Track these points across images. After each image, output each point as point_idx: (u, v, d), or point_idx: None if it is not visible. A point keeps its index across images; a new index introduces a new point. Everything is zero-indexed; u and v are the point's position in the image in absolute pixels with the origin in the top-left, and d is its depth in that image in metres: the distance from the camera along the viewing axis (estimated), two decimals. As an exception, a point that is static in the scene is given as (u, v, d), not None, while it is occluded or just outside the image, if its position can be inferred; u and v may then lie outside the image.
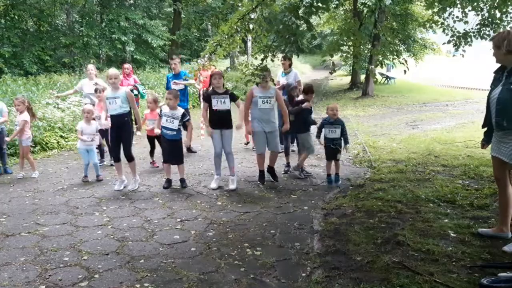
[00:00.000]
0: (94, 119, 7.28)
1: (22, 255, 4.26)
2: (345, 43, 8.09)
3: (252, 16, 6.56)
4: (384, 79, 27.25)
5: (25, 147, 7.41)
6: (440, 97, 19.40)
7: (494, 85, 4.11)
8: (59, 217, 5.36)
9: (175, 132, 6.55)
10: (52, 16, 25.15)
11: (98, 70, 12.05)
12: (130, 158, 6.59)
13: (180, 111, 6.59)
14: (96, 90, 7.94)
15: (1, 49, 19.92)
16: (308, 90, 7.27)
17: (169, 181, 6.67)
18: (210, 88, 6.65)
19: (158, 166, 7.79)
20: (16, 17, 22.24)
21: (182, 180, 6.67)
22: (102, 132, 7.53)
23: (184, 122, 6.61)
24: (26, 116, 7.35)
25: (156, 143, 7.79)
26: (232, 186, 6.57)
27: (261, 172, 6.94)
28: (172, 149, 6.60)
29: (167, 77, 9.27)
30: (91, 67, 9.31)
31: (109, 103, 6.43)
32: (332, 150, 6.69)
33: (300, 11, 5.50)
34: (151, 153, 7.98)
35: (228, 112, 6.55)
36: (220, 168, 6.80)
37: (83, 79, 10.22)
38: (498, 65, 4.12)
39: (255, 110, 6.69)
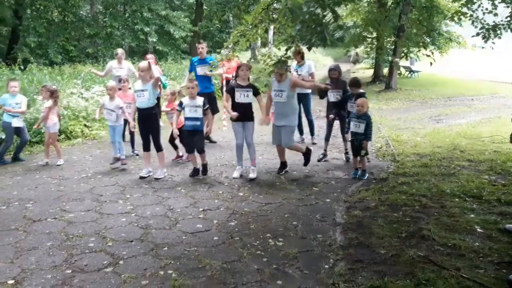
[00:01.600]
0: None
1: (48, 240, 4.34)
2: (369, 35, 7.97)
3: (276, 6, 6.50)
4: (408, 72, 26.85)
5: (52, 134, 7.52)
6: (466, 91, 19.01)
7: None
8: (84, 204, 5.44)
9: (199, 123, 6.58)
10: (77, 7, 25.45)
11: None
12: (159, 149, 6.66)
13: (200, 99, 6.65)
14: (120, 80, 8.01)
15: (27, 39, 20.25)
16: (354, 83, 7.20)
17: (196, 170, 6.73)
18: (233, 80, 6.66)
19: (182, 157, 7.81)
20: (42, 7, 22.57)
21: (205, 166, 6.74)
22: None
23: (204, 110, 6.64)
24: (49, 103, 7.46)
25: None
26: (252, 175, 6.62)
27: (282, 163, 6.97)
28: (196, 139, 6.64)
29: (192, 60, 9.24)
30: (121, 51, 9.54)
31: (137, 95, 6.48)
32: (356, 145, 6.59)
33: (326, 1, 5.44)
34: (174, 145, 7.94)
35: (250, 105, 6.57)
36: (242, 159, 6.83)
37: (111, 61, 10.35)
38: None
39: (274, 104, 6.72)
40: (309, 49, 5.56)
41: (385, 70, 23.17)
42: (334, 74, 7.47)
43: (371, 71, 27.01)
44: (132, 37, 23.49)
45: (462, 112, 13.68)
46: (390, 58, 15.72)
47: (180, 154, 7.79)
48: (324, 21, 5.32)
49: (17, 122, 7.49)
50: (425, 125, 11.36)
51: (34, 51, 20.35)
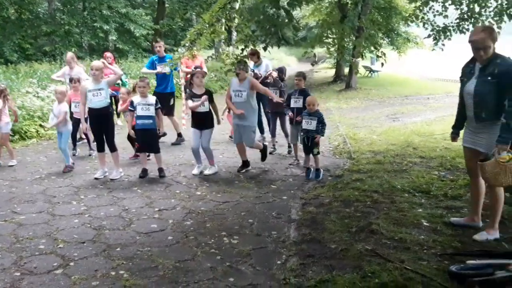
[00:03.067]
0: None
1: (-3, 243, 4.23)
2: (328, 35, 8.10)
3: (234, 6, 6.54)
4: (368, 72, 27.44)
5: (3, 134, 7.29)
6: (422, 91, 19.60)
7: (466, 78, 4.18)
8: (36, 206, 5.32)
9: (151, 121, 6.54)
10: (34, 4, 24.68)
11: (80, 59, 11.90)
12: (113, 149, 6.58)
13: (152, 98, 6.62)
14: (71, 80, 7.86)
15: (-20, 37, 19.54)
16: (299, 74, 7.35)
17: (145, 171, 6.67)
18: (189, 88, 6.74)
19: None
20: (-4, 4, 21.81)
21: (161, 170, 6.67)
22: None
23: (156, 110, 6.61)
24: None
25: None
26: (207, 171, 6.72)
27: (243, 162, 7.02)
28: (148, 138, 6.59)
29: (151, 59, 9.18)
30: (69, 56, 9.23)
31: (92, 95, 6.32)
32: (307, 143, 6.62)
33: (282, 2, 5.52)
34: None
35: (206, 114, 6.62)
36: (200, 158, 6.86)
37: (64, 67, 10.07)
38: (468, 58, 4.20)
39: (233, 103, 6.77)
40: (264, 49, 5.62)
41: (346, 70, 23.58)
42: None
43: (333, 71, 27.45)
44: (91, 35, 23.00)
45: (418, 111, 14.11)
46: (349, 58, 15.98)
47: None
48: (278, 21, 5.38)
49: None
50: (382, 123, 11.67)
51: (-12, 50, 19.63)
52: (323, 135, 6.63)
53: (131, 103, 6.66)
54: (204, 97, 6.49)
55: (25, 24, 22.91)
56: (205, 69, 8.62)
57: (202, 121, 6.63)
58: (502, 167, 3.75)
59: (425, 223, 4.51)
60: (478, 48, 3.92)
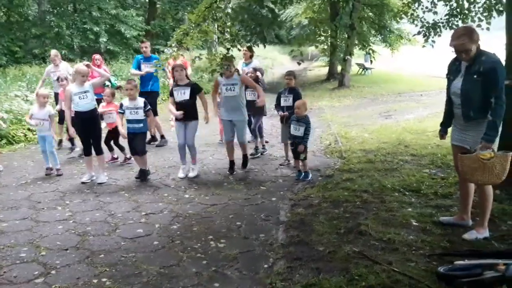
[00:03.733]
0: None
1: (-24, 252, 4.13)
2: (320, 33, 8.01)
3: (220, 5, 6.46)
4: (362, 69, 27.41)
5: None
6: (415, 87, 19.58)
7: (453, 76, 4.13)
8: (20, 212, 5.21)
9: (141, 124, 6.46)
10: (22, 6, 24.48)
11: (71, 61, 11.74)
12: (99, 152, 6.49)
13: (140, 100, 6.53)
14: (58, 79, 7.74)
15: (-32, 40, 19.34)
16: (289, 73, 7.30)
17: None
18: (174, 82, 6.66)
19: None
20: (-16, 7, 21.60)
21: (143, 172, 6.53)
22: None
23: (146, 112, 6.52)
24: None
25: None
26: (191, 174, 6.64)
27: (231, 163, 6.93)
28: (138, 140, 6.50)
29: (136, 58, 9.11)
30: (54, 53, 9.13)
31: (78, 98, 6.21)
32: (295, 149, 6.50)
33: (266, 1, 5.45)
34: (120, 146, 7.73)
35: (188, 103, 6.49)
36: (185, 158, 6.79)
37: (48, 65, 9.98)
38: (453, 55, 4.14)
39: (223, 99, 6.72)
40: (249, 48, 5.55)
41: (340, 68, 23.52)
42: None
43: (327, 69, 27.38)
44: (81, 36, 22.83)
45: (411, 108, 14.07)
46: (342, 56, 15.90)
47: (115, 156, 7.67)
48: (263, 20, 5.31)
49: None
50: (374, 121, 11.61)
51: (-24, 53, 19.44)
52: (306, 144, 6.43)
53: (120, 106, 6.59)
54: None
55: (14, 26, 22.71)
56: (189, 70, 8.59)
57: (185, 111, 6.45)
58: (481, 164, 3.71)
59: (414, 223, 4.45)
60: (459, 51, 3.91)
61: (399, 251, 3.83)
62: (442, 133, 4.49)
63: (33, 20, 24.80)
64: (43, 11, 25.93)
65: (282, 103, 7.15)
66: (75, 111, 6.34)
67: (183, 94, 6.43)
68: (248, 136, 8.88)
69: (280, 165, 7.34)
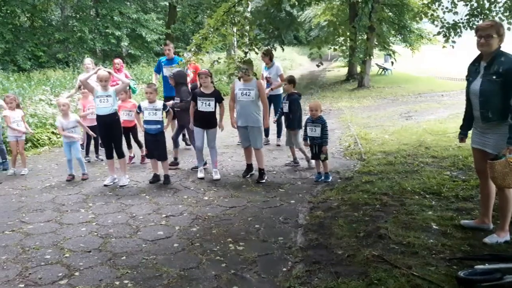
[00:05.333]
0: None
1: (3, 254, 4.25)
2: (339, 34, 7.94)
3: (238, 9, 6.51)
4: (381, 70, 27.16)
5: (20, 142, 7.41)
6: (436, 88, 19.30)
7: (472, 77, 4.09)
8: (44, 215, 5.35)
9: (159, 126, 6.55)
10: (46, 12, 25.02)
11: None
12: (121, 155, 6.61)
13: (159, 103, 6.63)
14: (80, 87, 7.90)
15: (-6, 45, 19.86)
16: (289, 80, 7.29)
17: (156, 176, 6.68)
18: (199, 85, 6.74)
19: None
20: (9, 12, 22.08)
21: (166, 177, 6.64)
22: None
23: (167, 112, 6.72)
24: (22, 112, 7.50)
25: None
26: (216, 176, 6.69)
27: (248, 166, 6.95)
28: (157, 144, 6.59)
29: (159, 60, 9.18)
30: (88, 61, 9.31)
31: (99, 101, 6.35)
32: (315, 152, 6.57)
33: (284, 4, 5.47)
34: (129, 146, 7.85)
35: (211, 114, 6.60)
36: (203, 160, 6.97)
37: (81, 73, 10.18)
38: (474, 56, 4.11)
39: (237, 104, 6.68)
40: (265, 53, 5.57)
41: (359, 69, 23.34)
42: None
43: (346, 70, 27.22)
44: (103, 41, 23.22)
45: (431, 108, 13.88)
46: (361, 57, 15.77)
47: (132, 155, 7.87)
48: (281, 24, 5.33)
49: None
50: (394, 122, 11.51)
51: (1, 58, 19.90)
52: (327, 144, 6.52)
53: (139, 107, 6.72)
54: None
55: (37, 31, 23.20)
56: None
57: (206, 121, 6.62)
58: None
59: (434, 226, 4.41)
60: (480, 35, 3.88)
61: (419, 255, 3.80)
62: (462, 136, 4.44)
63: (57, 25, 25.33)
64: (66, 16, 26.48)
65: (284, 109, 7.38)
66: (96, 114, 6.50)
67: (207, 106, 6.50)
68: (274, 140, 9.00)
69: (286, 165, 7.51)
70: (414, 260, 3.70)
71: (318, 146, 6.51)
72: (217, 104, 6.61)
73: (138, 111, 6.72)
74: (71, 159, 6.97)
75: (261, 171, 6.69)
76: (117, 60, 10.75)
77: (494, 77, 3.80)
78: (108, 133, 6.50)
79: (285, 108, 7.20)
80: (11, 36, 20.86)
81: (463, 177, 6.07)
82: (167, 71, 8.64)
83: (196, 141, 6.81)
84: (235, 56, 7.08)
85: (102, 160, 7.90)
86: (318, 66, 6.21)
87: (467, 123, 4.33)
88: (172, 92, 8.48)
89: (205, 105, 6.51)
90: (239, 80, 6.50)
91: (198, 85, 7.07)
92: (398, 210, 4.94)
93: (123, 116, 7.41)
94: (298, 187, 6.35)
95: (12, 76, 14.79)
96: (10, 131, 7.32)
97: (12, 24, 22.00)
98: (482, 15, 7.70)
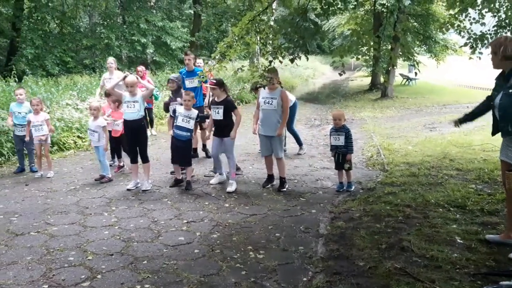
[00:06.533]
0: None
1: (28, 255, 4.35)
2: (363, 44, 7.87)
3: (263, 18, 6.54)
4: (405, 80, 26.89)
5: (48, 145, 7.67)
6: (461, 99, 18.98)
7: (496, 91, 4.07)
8: (69, 217, 5.45)
9: (188, 134, 6.61)
10: (74, 19, 25.62)
11: (119, 71, 12.12)
12: (145, 160, 6.71)
13: (194, 112, 6.68)
14: (105, 93, 8.07)
15: (24, 50, 20.35)
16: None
17: (177, 181, 6.76)
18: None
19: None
20: (39, 19, 22.70)
21: (188, 183, 6.69)
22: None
23: (196, 123, 6.77)
24: (46, 115, 7.75)
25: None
26: (229, 188, 6.54)
27: (269, 176, 6.91)
28: (183, 151, 6.66)
29: (180, 73, 9.02)
30: (110, 60, 9.47)
31: (127, 106, 6.49)
32: (338, 159, 6.53)
33: (310, 14, 5.48)
34: (119, 154, 7.92)
35: (222, 122, 6.60)
36: (220, 166, 6.99)
37: (104, 73, 10.42)
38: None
39: (260, 112, 6.71)
40: (291, 61, 5.59)
41: (382, 79, 23.14)
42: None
43: (369, 79, 27.04)
44: (129, 47, 23.62)
45: (456, 120, 13.63)
46: (385, 67, 15.64)
47: (122, 164, 7.89)
48: (306, 33, 5.34)
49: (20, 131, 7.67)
50: (418, 133, 11.36)
51: (31, 63, 20.43)
52: (352, 152, 6.53)
53: (174, 111, 6.80)
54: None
55: (66, 38, 23.73)
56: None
57: (220, 129, 6.66)
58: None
59: (459, 240, 4.33)
60: (491, 51, 4.00)
61: (442, 269, 3.73)
62: (456, 120, 4.69)
63: (85, 31, 25.87)
64: (94, 23, 27.08)
65: None
66: (124, 119, 6.63)
67: (217, 114, 6.60)
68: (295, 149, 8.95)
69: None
70: (438, 274, 3.64)
71: (342, 155, 6.47)
72: (230, 114, 6.61)
73: (172, 115, 6.81)
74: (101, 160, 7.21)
75: (282, 180, 6.67)
76: (140, 68, 10.96)
77: (511, 90, 3.77)
78: (134, 138, 6.60)
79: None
80: (41, 42, 21.39)
81: (489, 191, 5.94)
82: (189, 83, 8.47)
83: (212, 148, 6.93)
84: (258, 64, 7.11)
85: (111, 165, 7.94)
86: (340, 74, 6.18)
87: (471, 115, 4.57)
88: (198, 103, 8.52)
89: (215, 113, 6.63)
90: (263, 88, 6.52)
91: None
92: (421, 223, 4.86)
93: (113, 126, 7.54)
94: (319, 197, 6.32)
95: (41, 80, 15.13)
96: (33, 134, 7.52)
97: (42, 30, 22.59)
98: (510, 26, 7.56)
